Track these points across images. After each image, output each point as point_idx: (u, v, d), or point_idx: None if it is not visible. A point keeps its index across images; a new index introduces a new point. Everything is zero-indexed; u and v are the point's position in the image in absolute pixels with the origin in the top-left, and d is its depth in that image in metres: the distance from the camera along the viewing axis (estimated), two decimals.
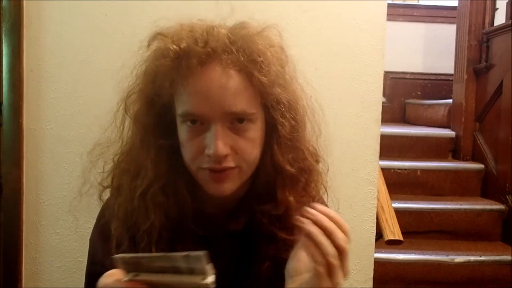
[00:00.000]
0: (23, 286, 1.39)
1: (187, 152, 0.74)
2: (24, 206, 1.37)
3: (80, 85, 1.36)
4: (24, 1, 1.33)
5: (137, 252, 0.77)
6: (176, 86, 0.72)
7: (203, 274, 0.59)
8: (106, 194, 0.87)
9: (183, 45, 0.71)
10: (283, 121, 0.75)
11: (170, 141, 0.76)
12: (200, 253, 0.58)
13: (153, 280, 0.61)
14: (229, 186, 0.74)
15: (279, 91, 0.74)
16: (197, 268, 0.59)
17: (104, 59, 1.35)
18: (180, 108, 0.72)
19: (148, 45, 0.77)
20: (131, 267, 0.62)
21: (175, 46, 0.71)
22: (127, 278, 0.62)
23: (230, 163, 0.72)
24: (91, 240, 0.88)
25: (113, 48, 1.35)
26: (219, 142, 0.70)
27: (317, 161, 0.82)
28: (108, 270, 0.82)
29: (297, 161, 0.78)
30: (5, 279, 1.37)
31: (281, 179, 0.77)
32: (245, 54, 0.71)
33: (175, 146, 0.76)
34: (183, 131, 0.74)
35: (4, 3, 1.32)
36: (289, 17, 1.38)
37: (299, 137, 0.78)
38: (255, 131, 0.74)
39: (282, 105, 0.75)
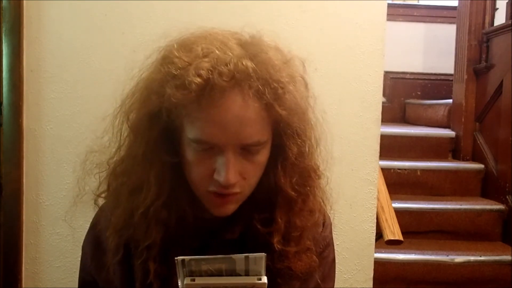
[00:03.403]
0: (23, 286, 1.39)
1: (195, 173, 0.73)
2: (24, 206, 1.37)
3: (80, 85, 1.36)
4: (24, 1, 1.33)
5: (132, 262, 0.77)
6: (191, 112, 0.69)
7: (258, 274, 0.61)
8: (102, 199, 0.86)
9: (206, 76, 0.67)
10: (293, 146, 0.75)
11: (174, 157, 0.74)
12: (262, 254, 0.60)
13: (209, 283, 0.62)
14: (231, 208, 0.75)
15: (295, 121, 0.73)
16: (253, 269, 0.61)
17: (104, 59, 1.35)
18: (193, 133, 0.70)
19: (161, 63, 0.73)
20: (188, 270, 0.62)
21: (199, 79, 0.67)
22: (185, 283, 0.62)
23: (236, 189, 0.72)
24: (83, 247, 0.88)
25: (113, 48, 1.35)
26: (230, 171, 0.69)
27: (320, 178, 0.82)
28: (96, 279, 0.83)
29: (301, 183, 0.77)
30: (5, 279, 1.37)
31: (281, 199, 0.77)
32: (269, 88, 0.69)
33: (178, 161, 0.74)
34: (190, 151, 0.72)
35: (4, 3, 1.32)
36: (289, 17, 1.38)
37: (305, 159, 0.77)
38: (264, 154, 0.74)
39: (295, 133, 0.74)
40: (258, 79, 0.69)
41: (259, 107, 0.69)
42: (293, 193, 0.76)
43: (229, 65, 0.68)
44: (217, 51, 0.69)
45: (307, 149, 0.77)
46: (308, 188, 0.79)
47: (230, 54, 0.69)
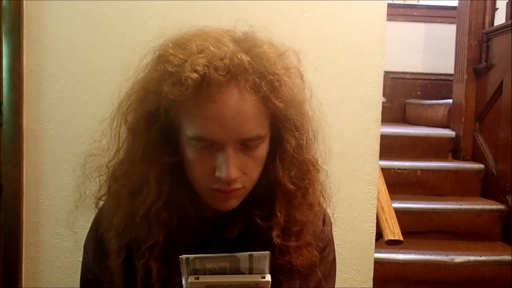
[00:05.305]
0: (23, 286, 1.39)
1: (196, 171, 0.73)
2: (24, 206, 1.37)
3: (80, 85, 1.36)
4: (24, 1, 1.33)
5: (133, 264, 0.77)
6: (190, 109, 0.69)
7: (262, 273, 0.61)
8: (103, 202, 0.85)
9: (202, 71, 0.67)
10: (291, 139, 0.75)
11: (173, 157, 0.74)
12: (266, 253, 0.61)
13: (214, 281, 0.62)
14: (234, 202, 0.75)
15: (292, 113, 0.74)
16: (256, 267, 0.61)
17: (104, 59, 1.35)
18: (191, 131, 0.70)
19: (157, 63, 0.73)
20: (192, 268, 0.62)
21: (195, 75, 0.67)
22: (189, 281, 0.62)
23: (238, 184, 0.72)
24: (85, 247, 0.88)
25: (113, 48, 1.35)
26: (231, 167, 0.69)
27: (318, 171, 0.82)
28: (99, 279, 0.83)
29: (299, 176, 0.78)
30: (5, 279, 1.37)
31: (280, 193, 0.77)
32: (265, 81, 0.69)
33: (178, 161, 0.74)
34: (190, 149, 0.72)
35: (4, 3, 1.32)
36: (289, 17, 1.38)
37: (303, 152, 0.78)
38: (264, 149, 0.74)
39: (293, 126, 0.75)
40: (254, 72, 0.69)
41: (256, 101, 0.69)
42: (292, 186, 0.76)
43: (225, 59, 0.68)
44: (211, 47, 0.69)
45: (305, 142, 0.77)
46: (307, 181, 0.79)
47: (225, 49, 0.69)
